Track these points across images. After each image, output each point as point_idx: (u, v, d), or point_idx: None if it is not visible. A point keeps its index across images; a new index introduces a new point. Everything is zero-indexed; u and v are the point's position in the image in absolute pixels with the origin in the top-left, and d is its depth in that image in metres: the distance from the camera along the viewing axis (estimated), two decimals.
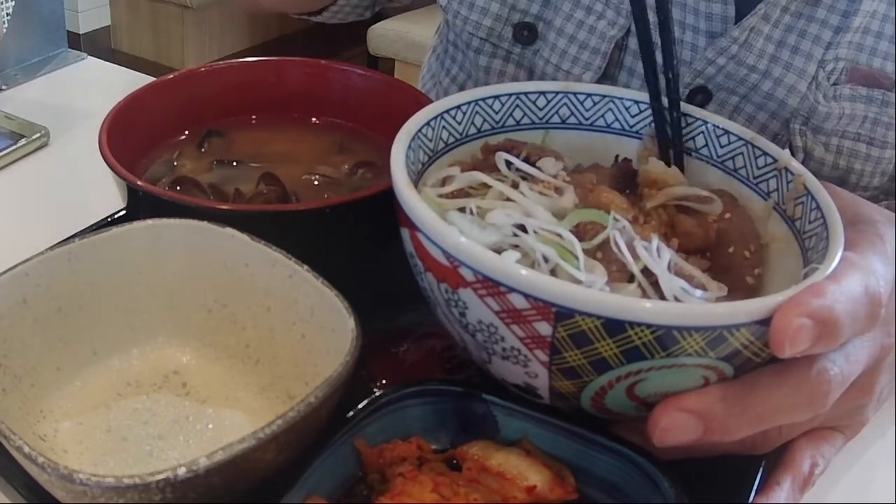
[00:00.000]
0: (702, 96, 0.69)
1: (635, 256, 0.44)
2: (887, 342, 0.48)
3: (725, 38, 0.68)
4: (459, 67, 0.84)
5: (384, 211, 0.49)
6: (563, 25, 0.73)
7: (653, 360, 0.40)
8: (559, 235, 0.44)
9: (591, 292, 0.40)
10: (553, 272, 0.43)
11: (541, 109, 0.56)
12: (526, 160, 0.51)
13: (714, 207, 0.51)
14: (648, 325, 0.39)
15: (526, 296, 0.40)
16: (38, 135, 0.82)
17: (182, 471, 0.38)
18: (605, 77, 0.73)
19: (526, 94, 0.55)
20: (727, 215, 0.51)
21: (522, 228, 0.45)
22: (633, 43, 0.72)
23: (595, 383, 0.42)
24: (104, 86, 0.96)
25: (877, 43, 0.66)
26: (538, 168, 0.50)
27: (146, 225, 0.51)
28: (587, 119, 0.56)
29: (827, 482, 0.50)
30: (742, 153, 0.53)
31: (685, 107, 0.55)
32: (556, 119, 0.56)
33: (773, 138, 0.57)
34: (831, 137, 0.69)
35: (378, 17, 2.77)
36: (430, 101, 0.54)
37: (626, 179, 0.52)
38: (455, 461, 0.46)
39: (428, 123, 0.52)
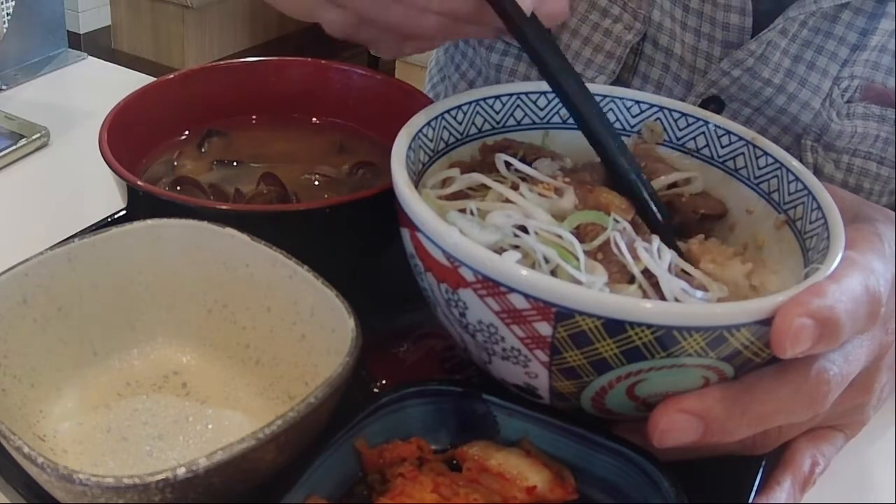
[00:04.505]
0: (714, 106, 0.69)
1: (636, 257, 0.44)
2: (886, 340, 0.48)
3: (742, 51, 0.67)
4: (469, 64, 0.84)
5: (384, 211, 0.49)
6: (577, 27, 0.73)
7: (653, 361, 0.40)
8: (559, 236, 0.44)
9: (591, 292, 0.40)
10: (554, 273, 0.43)
11: (542, 109, 0.56)
12: (522, 160, 0.51)
13: (695, 186, 0.52)
14: (649, 326, 0.39)
15: (526, 296, 0.40)
16: (38, 135, 0.82)
17: (182, 471, 0.38)
18: (619, 82, 0.72)
19: (527, 94, 0.55)
20: None
21: (523, 229, 0.45)
22: (648, 48, 0.71)
23: (595, 383, 0.42)
24: (104, 86, 0.96)
25: (893, 62, 0.65)
26: (535, 168, 0.50)
27: (146, 225, 0.51)
28: None
29: (827, 482, 0.50)
30: (743, 153, 0.53)
31: (687, 107, 0.55)
32: (556, 119, 0.56)
33: None
34: (842, 155, 0.68)
35: None
36: (431, 101, 0.54)
37: None
38: (455, 461, 0.46)
39: (428, 123, 0.52)
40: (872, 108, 0.67)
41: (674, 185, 0.53)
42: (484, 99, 0.54)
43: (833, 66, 0.67)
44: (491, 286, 0.41)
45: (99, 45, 3.26)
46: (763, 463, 0.48)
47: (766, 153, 0.52)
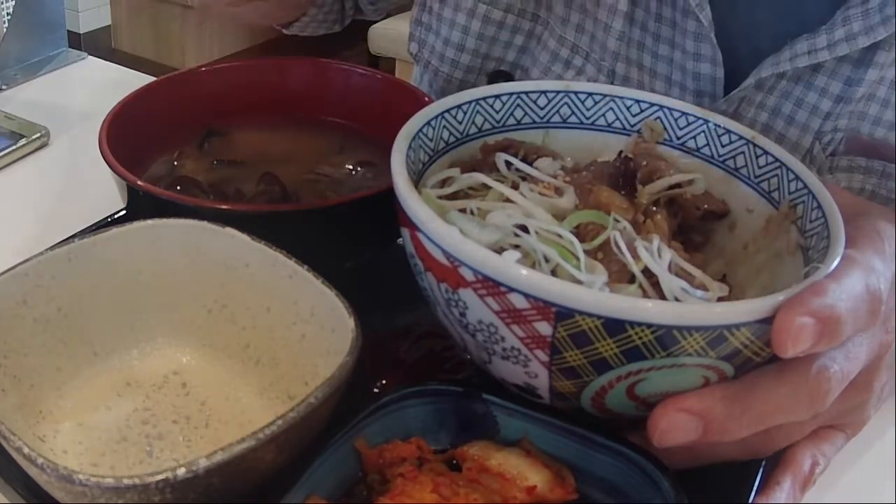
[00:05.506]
0: None
1: (636, 257, 0.44)
2: (886, 339, 0.48)
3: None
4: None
5: (384, 211, 0.49)
6: (539, 78, 0.71)
7: (653, 360, 0.40)
8: (559, 236, 0.44)
9: (591, 292, 0.40)
10: (554, 272, 0.43)
11: (542, 109, 0.56)
12: (523, 160, 0.51)
13: (698, 187, 0.52)
14: (649, 325, 0.39)
15: (526, 296, 0.40)
16: (38, 135, 0.82)
17: (181, 471, 0.38)
18: None
19: (527, 93, 0.55)
20: None
21: (524, 229, 0.45)
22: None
23: (595, 383, 0.42)
24: (104, 86, 0.96)
25: (882, 112, 0.62)
26: (535, 168, 0.50)
27: (146, 225, 0.51)
28: (588, 118, 0.56)
29: (827, 482, 0.50)
30: (743, 152, 0.53)
31: (687, 106, 0.55)
32: (556, 118, 0.56)
33: None
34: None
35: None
36: (431, 101, 0.54)
37: (625, 178, 0.52)
38: (455, 461, 0.46)
39: (428, 123, 0.52)
40: (857, 161, 0.63)
41: (676, 185, 0.52)
42: (484, 98, 0.54)
43: (815, 121, 0.63)
44: (491, 286, 0.41)
45: (99, 45, 3.26)
46: (763, 463, 0.48)
47: (766, 152, 0.52)
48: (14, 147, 0.80)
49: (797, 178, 0.50)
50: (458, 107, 0.53)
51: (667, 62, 0.66)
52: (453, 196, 0.49)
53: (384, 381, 0.52)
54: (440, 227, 0.42)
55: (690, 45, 0.64)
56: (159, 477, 0.38)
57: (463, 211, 0.47)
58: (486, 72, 0.74)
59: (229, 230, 0.50)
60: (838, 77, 0.63)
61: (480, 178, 0.49)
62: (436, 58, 0.75)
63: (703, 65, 0.65)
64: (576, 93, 0.56)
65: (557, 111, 0.56)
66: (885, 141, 0.62)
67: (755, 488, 0.47)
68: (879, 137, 0.62)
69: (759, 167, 0.52)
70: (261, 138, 0.67)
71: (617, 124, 0.56)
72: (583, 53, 0.69)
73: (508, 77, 0.74)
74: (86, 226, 0.62)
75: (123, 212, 0.61)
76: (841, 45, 0.60)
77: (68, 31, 1.01)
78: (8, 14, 0.95)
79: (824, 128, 0.64)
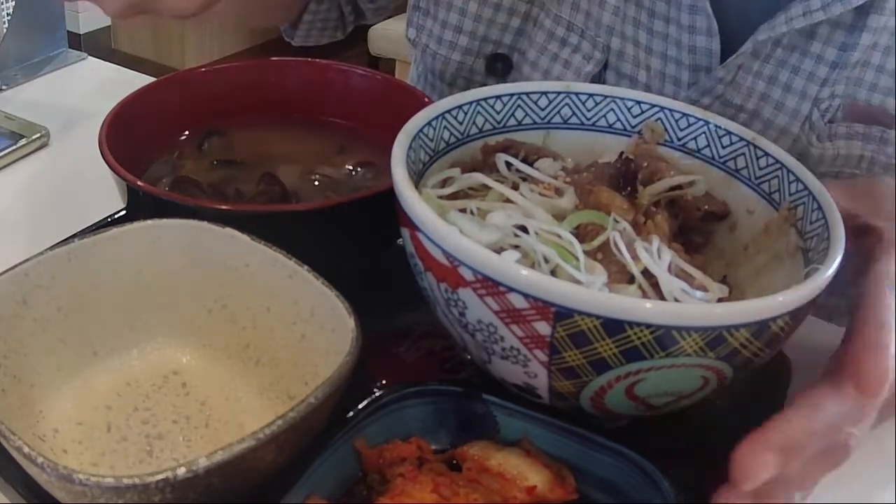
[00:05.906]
0: None
1: (635, 257, 0.44)
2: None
3: (710, 78, 0.65)
4: (439, 95, 0.83)
5: (384, 211, 0.49)
6: (536, 59, 0.71)
7: (652, 360, 0.40)
8: (559, 236, 0.44)
9: (590, 292, 0.40)
10: (553, 273, 0.43)
11: (542, 109, 0.56)
12: (524, 161, 0.51)
13: (699, 188, 0.52)
14: (647, 325, 0.39)
15: (525, 295, 0.40)
16: (38, 135, 0.82)
17: (181, 471, 0.38)
18: None
19: (527, 93, 0.55)
20: None
21: (524, 229, 0.45)
22: (610, 77, 0.70)
23: (594, 383, 0.42)
24: (104, 86, 0.96)
25: (877, 78, 0.62)
26: (536, 169, 0.50)
27: (146, 225, 0.51)
28: (589, 119, 0.56)
29: (827, 482, 0.50)
30: (744, 154, 0.53)
31: (688, 107, 0.55)
32: (557, 119, 0.56)
33: None
34: (824, 179, 0.67)
35: None
36: (431, 101, 0.54)
37: (626, 179, 0.52)
38: (455, 461, 0.46)
39: (429, 123, 0.52)
40: (855, 127, 0.64)
41: (677, 186, 0.52)
42: (485, 99, 0.54)
43: (812, 87, 0.63)
44: (490, 286, 0.41)
45: (99, 45, 3.26)
46: None
47: (766, 153, 0.52)
48: (14, 147, 0.80)
49: (798, 179, 0.50)
50: (459, 107, 0.53)
51: (662, 38, 0.66)
52: (453, 196, 0.49)
53: (384, 381, 0.52)
54: (440, 227, 0.42)
55: (685, 18, 0.64)
56: (159, 477, 0.38)
57: (463, 211, 0.47)
58: (484, 55, 0.74)
59: (229, 230, 0.50)
60: (833, 43, 0.63)
61: (481, 178, 0.49)
62: (433, 41, 0.75)
63: (698, 37, 0.65)
64: (577, 93, 0.56)
65: (558, 112, 0.56)
66: (883, 107, 0.63)
67: None
68: (876, 104, 0.63)
69: (760, 168, 0.52)
70: (261, 138, 0.67)
71: (618, 125, 0.56)
72: (578, 31, 0.70)
73: (506, 60, 0.74)
74: (86, 226, 0.62)
75: (123, 212, 0.61)
76: (835, 5, 0.60)
77: (68, 31, 1.01)
78: (8, 14, 0.95)
79: (821, 94, 0.64)
